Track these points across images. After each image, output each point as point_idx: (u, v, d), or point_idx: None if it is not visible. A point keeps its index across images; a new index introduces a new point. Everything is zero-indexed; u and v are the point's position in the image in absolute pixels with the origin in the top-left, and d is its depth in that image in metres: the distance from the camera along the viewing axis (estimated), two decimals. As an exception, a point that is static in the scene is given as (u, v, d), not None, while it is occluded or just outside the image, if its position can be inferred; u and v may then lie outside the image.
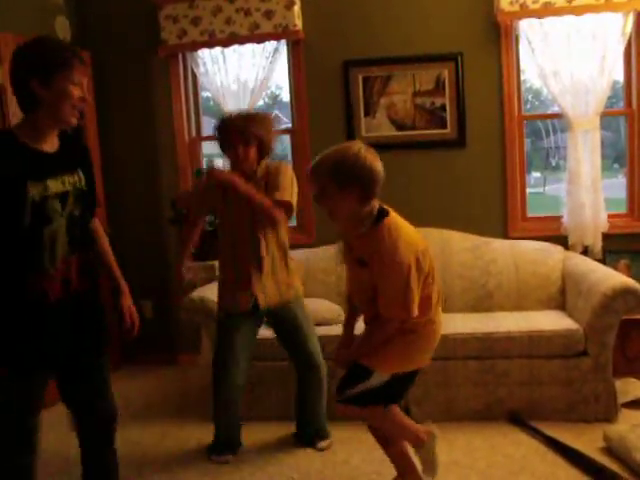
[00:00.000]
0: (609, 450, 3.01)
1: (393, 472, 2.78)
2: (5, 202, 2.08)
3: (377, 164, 2.42)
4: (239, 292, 3.16)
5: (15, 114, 3.93)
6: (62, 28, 4.54)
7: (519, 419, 3.39)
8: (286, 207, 3.09)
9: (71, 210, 2.22)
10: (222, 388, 3.21)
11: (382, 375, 2.48)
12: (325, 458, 3.20)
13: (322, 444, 3.31)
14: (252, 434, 3.43)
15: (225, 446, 3.29)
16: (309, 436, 3.35)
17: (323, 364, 3.31)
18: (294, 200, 3.13)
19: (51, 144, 2.20)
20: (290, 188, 3.12)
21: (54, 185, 2.16)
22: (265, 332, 3.42)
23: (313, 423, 3.35)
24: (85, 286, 2.30)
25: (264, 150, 3.16)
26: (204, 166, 4.74)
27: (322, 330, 3.61)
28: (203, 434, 3.45)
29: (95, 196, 2.44)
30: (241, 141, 3.07)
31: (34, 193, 2.10)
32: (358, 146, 2.45)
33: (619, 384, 3.47)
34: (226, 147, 3.15)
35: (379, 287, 2.43)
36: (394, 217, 2.49)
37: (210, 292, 3.61)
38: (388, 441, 2.73)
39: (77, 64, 2.12)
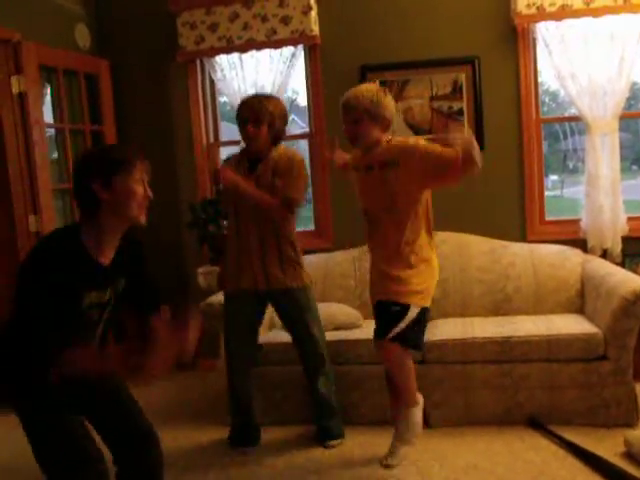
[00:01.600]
0: (629, 455, 2.98)
1: (411, 475, 2.78)
2: (57, 307, 2.04)
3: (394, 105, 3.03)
4: (241, 272, 3.24)
5: (37, 120, 4.00)
6: (82, 35, 4.59)
7: (538, 423, 3.37)
8: (290, 204, 3.16)
9: (108, 317, 2.28)
10: (232, 367, 3.33)
11: (415, 308, 2.87)
12: (343, 460, 3.21)
13: (332, 442, 3.36)
14: (270, 435, 3.46)
15: (241, 437, 3.36)
16: (320, 433, 3.40)
17: (326, 354, 3.35)
18: (300, 194, 3.20)
19: (109, 253, 2.19)
20: (297, 182, 3.17)
21: (97, 296, 2.17)
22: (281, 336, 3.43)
23: (323, 418, 3.40)
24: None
25: (276, 132, 3.19)
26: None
27: (341, 334, 3.63)
28: (223, 438, 3.47)
29: (155, 293, 2.52)
30: (252, 119, 3.12)
31: (83, 303, 2.12)
32: (379, 87, 3.06)
33: (640, 388, 3.45)
34: (240, 125, 3.20)
35: (433, 160, 2.80)
36: None
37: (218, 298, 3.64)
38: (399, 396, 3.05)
39: (138, 162, 2.15)
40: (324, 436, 3.39)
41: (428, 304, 2.96)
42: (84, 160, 2.17)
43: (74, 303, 2.09)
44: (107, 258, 2.18)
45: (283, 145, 3.27)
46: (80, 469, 2.18)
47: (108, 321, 2.31)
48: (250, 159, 3.24)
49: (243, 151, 3.32)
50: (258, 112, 3.12)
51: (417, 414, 3.06)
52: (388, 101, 2.95)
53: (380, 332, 2.94)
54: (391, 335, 2.87)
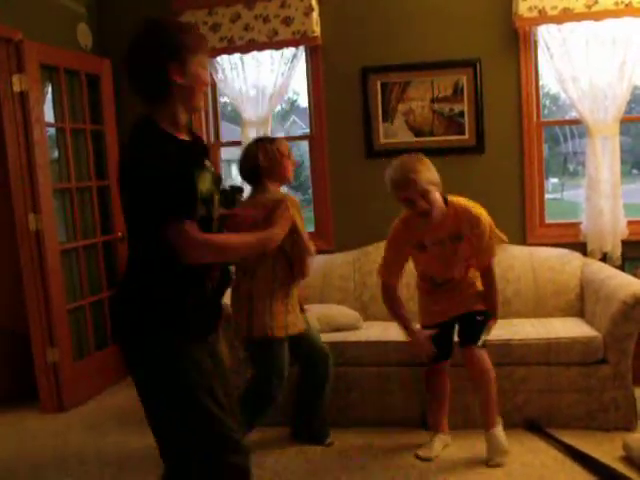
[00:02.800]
0: (629, 459, 2.98)
1: (410, 477, 2.78)
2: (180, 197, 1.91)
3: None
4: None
5: (38, 119, 4.00)
6: (83, 35, 4.59)
7: (537, 427, 3.38)
8: None
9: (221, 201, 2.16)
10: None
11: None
12: (341, 464, 3.21)
13: (329, 440, 3.40)
14: (269, 436, 3.46)
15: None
16: (316, 434, 3.42)
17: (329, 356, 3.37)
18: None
19: (185, 135, 2.06)
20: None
21: (204, 178, 2.01)
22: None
23: (318, 419, 3.42)
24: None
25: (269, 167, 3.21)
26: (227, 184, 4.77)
27: (341, 336, 3.63)
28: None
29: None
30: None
31: (201, 187, 1.98)
32: (411, 156, 3.07)
33: (639, 392, 3.44)
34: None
35: (481, 245, 3.06)
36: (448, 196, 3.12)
37: (227, 300, 3.63)
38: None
39: (206, 47, 2.03)
40: (318, 437, 3.41)
41: None
42: (155, 37, 1.98)
43: (195, 188, 1.94)
44: (185, 134, 2.08)
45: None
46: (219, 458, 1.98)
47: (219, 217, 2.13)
48: None
49: None
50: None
51: (500, 432, 3.12)
52: (426, 169, 3.01)
53: (469, 338, 3.15)
54: (480, 342, 3.12)
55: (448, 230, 3.05)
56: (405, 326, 3.17)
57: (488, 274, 3.18)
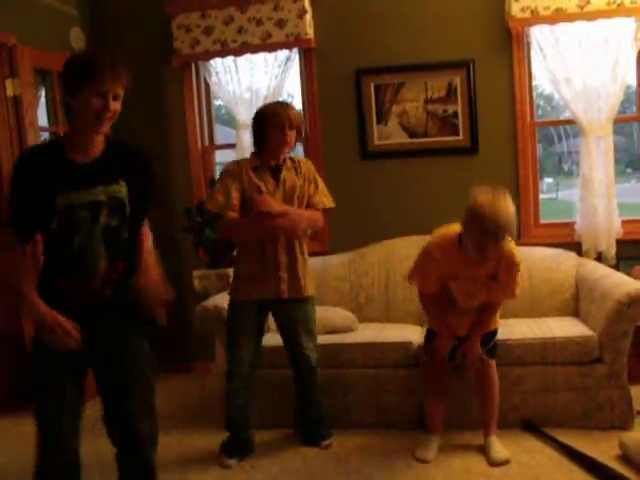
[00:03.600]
0: (625, 458, 2.99)
1: (407, 478, 2.78)
2: (37, 210, 2.19)
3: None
4: (264, 282, 3.23)
5: (31, 123, 3.99)
6: (77, 39, 4.59)
7: (534, 426, 3.38)
8: (328, 212, 3.41)
9: (107, 221, 2.25)
10: (230, 376, 3.31)
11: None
12: (339, 466, 3.20)
13: (326, 442, 3.38)
14: (267, 438, 3.46)
15: (232, 448, 3.33)
16: (312, 435, 3.42)
17: (317, 367, 3.35)
18: (330, 199, 3.41)
19: (88, 154, 2.24)
20: (324, 189, 3.38)
21: (81, 196, 2.20)
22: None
23: (312, 422, 3.42)
24: (117, 297, 2.34)
25: (297, 139, 3.31)
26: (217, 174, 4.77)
27: (337, 338, 3.62)
28: (219, 441, 3.46)
29: (147, 207, 2.48)
30: (291, 125, 3.19)
31: (60, 203, 2.17)
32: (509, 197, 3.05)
33: (635, 391, 3.44)
34: (271, 132, 3.19)
35: (507, 286, 3.12)
36: None
37: (224, 300, 3.63)
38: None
39: (101, 75, 2.14)
40: (316, 438, 3.40)
41: None
42: (65, 64, 2.21)
43: (50, 203, 2.16)
44: (85, 158, 2.24)
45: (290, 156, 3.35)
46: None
47: (113, 232, 2.28)
48: (270, 168, 3.25)
49: (258, 158, 3.28)
50: (293, 119, 3.20)
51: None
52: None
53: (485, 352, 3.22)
54: (485, 350, 3.21)
55: (487, 270, 3.07)
56: (439, 329, 3.23)
57: (495, 306, 3.22)
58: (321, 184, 3.36)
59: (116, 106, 2.23)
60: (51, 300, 2.22)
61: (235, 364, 3.29)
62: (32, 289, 2.22)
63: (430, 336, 3.31)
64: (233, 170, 3.25)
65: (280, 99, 4.33)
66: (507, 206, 2.95)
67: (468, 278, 3.08)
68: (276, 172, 3.25)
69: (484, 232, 2.87)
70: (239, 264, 3.34)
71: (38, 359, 2.34)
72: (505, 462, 3.07)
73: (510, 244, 3.08)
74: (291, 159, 3.32)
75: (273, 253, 3.21)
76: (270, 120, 3.20)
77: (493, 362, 3.23)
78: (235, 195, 3.18)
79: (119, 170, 2.29)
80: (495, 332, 3.27)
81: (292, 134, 3.21)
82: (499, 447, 3.13)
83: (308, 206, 3.30)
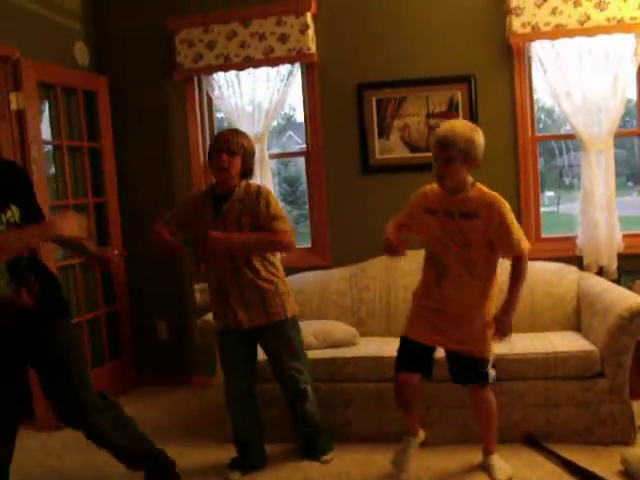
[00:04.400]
0: (627, 473, 2.98)
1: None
2: None
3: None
4: (224, 309, 3.24)
5: (35, 137, 4.01)
6: (81, 53, 4.62)
7: (535, 441, 3.37)
8: (288, 236, 3.21)
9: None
10: (228, 401, 3.34)
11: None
12: (339, 478, 3.20)
13: (325, 457, 3.38)
14: (271, 454, 3.44)
15: (237, 461, 3.35)
16: (311, 450, 3.42)
17: (306, 388, 3.33)
18: (286, 223, 3.24)
19: None
20: (278, 213, 3.21)
21: None
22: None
23: (310, 438, 3.42)
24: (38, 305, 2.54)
25: (246, 166, 3.23)
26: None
27: (337, 352, 3.62)
28: (219, 455, 3.46)
29: (37, 210, 2.61)
30: (227, 149, 3.14)
31: None
32: (475, 126, 2.94)
33: (637, 406, 3.43)
34: (213, 156, 3.19)
35: (504, 231, 2.87)
36: None
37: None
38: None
39: None
40: (316, 452, 3.40)
41: None
42: None
43: None
44: None
45: (245, 181, 3.26)
46: None
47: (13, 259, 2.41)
48: (215, 196, 3.23)
49: (209, 189, 3.31)
50: (233, 144, 3.15)
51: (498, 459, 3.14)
52: (482, 140, 2.89)
53: (461, 379, 3.09)
54: (488, 381, 3.06)
55: (459, 207, 2.90)
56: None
57: (516, 267, 2.94)
58: (280, 214, 3.22)
59: None
60: None
61: (230, 390, 3.32)
62: None
63: (402, 346, 3.08)
64: (185, 199, 3.42)
65: (282, 113, 4.34)
66: (464, 125, 2.94)
67: (445, 212, 2.93)
68: (220, 201, 3.19)
69: (435, 143, 2.89)
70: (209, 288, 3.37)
71: None
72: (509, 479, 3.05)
73: (489, 192, 2.95)
74: (243, 188, 3.21)
75: (224, 282, 3.21)
76: (212, 144, 3.23)
77: (486, 389, 3.06)
78: (174, 217, 3.31)
79: (3, 196, 2.42)
80: (483, 360, 3.00)
81: (232, 161, 3.13)
82: (501, 464, 3.11)
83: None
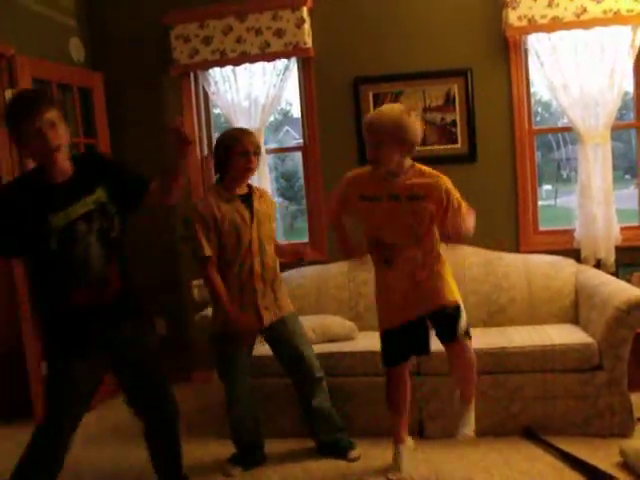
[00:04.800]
0: (625, 465, 2.99)
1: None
2: (31, 231, 2.46)
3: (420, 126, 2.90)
4: (246, 310, 3.21)
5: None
6: (76, 50, 4.61)
7: (534, 434, 3.38)
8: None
9: (99, 225, 2.55)
10: (231, 404, 3.33)
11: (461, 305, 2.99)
12: (339, 473, 3.21)
13: (353, 454, 3.35)
14: (266, 449, 3.44)
15: (239, 458, 3.35)
16: (336, 448, 3.38)
17: (324, 376, 3.36)
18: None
19: (60, 173, 2.53)
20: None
21: (74, 210, 2.49)
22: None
23: (332, 433, 3.39)
24: (124, 286, 2.66)
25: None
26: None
27: (335, 347, 3.64)
28: (219, 450, 3.46)
29: (138, 177, 2.77)
30: (255, 151, 3.21)
31: (56, 221, 2.45)
32: (408, 109, 2.88)
33: (635, 398, 3.43)
34: (239, 158, 3.18)
35: (453, 205, 2.89)
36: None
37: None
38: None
39: (31, 116, 2.40)
40: (340, 450, 3.37)
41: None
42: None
43: (40, 226, 2.44)
44: (61, 178, 2.52)
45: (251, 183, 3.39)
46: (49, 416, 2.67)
47: (106, 231, 2.58)
48: (240, 196, 3.26)
49: (225, 190, 3.25)
50: (257, 145, 3.23)
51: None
52: (412, 122, 2.83)
53: (448, 336, 2.98)
54: (460, 333, 2.96)
55: (405, 189, 2.89)
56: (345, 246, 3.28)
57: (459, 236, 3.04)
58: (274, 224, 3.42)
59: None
60: (64, 316, 2.57)
61: (233, 393, 3.30)
62: None
63: (386, 341, 3.12)
64: (207, 210, 3.17)
65: (279, 108, 4.34)
66: (393, 108, 2.93)
67: (390, 196, 2.91)
68: (247, 201, 3.24)
69: (364, 128, 2.92)
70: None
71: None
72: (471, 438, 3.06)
73: (429, 171, 2.95)
74: (255, 187, 3.36)
75: (249, 282, 3.23)
76: (234, 147, 3.19)
77: (468, 342, 3.01)
78: (214, 240, 3.16)
79: (92, 179, 2.58)
80: (458, 308, 2.97)
81: (255, 160, 3.22)
82: (472, 420, 3.07)
83: None
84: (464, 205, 2.96)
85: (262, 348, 3.47)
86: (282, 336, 3.31)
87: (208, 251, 3.12)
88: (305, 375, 3.32)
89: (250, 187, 3.31)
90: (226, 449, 3.40)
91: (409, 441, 3.25)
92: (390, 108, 2.96)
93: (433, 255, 2.99)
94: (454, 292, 3.00)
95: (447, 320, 2.96)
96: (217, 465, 3.37)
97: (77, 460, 3.54)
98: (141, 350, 2.75)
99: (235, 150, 3.17)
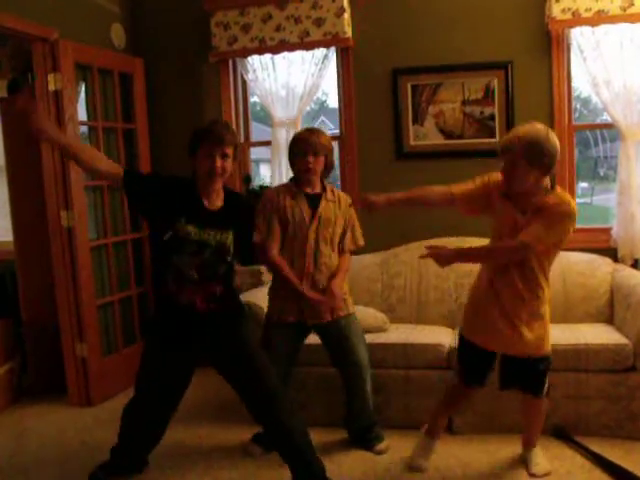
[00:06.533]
0: (657, 469, 2.95)
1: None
2: (158, 225, 2.78)
3: (558, 147, 2.77)
4: (288, 303, 3.24)
5: (71, 118, 4.05)
6: (117, 35, 4.65)
7: (564, 434, 3.34)
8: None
9: (207, 257, 2.76)
10: None
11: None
12: (369, 464, 3.22)
13: (380, 446, 3.35)
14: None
15: (261, 438, 3.36)
16: (365, 440, 3.39)
17: (368, 376, 3.34)
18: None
19: (213, 201, 2.82)
20: (359, 229, 3.46)
21: (194, 231, 2.73)
22: (310, 337, 3.44)
23: (363, 428, 3.41)
24: (215, 308, 2.83)
25: (328, 164, 3.31)
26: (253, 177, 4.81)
27: (367, 338, 3.62)
28: (244, 435, 3.48)
29: (248, 248, 3.04)
30: (312, 151, 3.20)
31: (179, 229, 2.71)
32: (547, 129, 2.78)
33: (669, 401, 3.39)
34: (297, 157, 3.25)
35: (535, 226, 2.72)
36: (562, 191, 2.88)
37: (256, 297, 3.65)
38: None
39: (208, 141, 2.76)
40: (370, 441, 3.38)
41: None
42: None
43: (168, 225, 2.71)
44: (212, 205, 2.80)
45: (330, 185, 3.38)
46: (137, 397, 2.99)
47: (212, 264, 2.79)
48: (306, 195, 3.29)
49: (295, 185, 3.31)
50: (320, 146, 3.22)
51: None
52: (551, 145, 2.73)
53: (531, 389, 3.02)
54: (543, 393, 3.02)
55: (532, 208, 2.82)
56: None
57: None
58: (356, 223, 3.43)
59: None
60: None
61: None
62: None
63: (462, 348, 3.10)
64: (272, 198, 3.27)
65: (315, 98, 4.33)
66: (531, 129, 2.81)
67: (511, 209, 2.85)
68: (314, 201, 3.27)
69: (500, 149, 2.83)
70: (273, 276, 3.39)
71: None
72: (546, 474, 3.02)
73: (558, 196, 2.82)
74: (332, 190, 3.35)
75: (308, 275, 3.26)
76: (294, 146, 3.28)
77: (541, 400, 3.01)
78: (276, 226, 3.21)
79: (230, 221, 2.82)
80: (543, 360, 2.93)
81: (317, 160, 3.22)
82: (539, 459, 3.07)
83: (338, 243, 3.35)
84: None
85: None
86: (333, 334, 3.32)
87: (257, 237, 3.18)
88: (354, 367, 3.33)
89: (325, 188, 3.31)
90: (250, 433, 3.44)
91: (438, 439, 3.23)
92: (528, 127, 2.81)
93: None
94: (547, 341, 2.93)
95: (532, 372, 2.95)
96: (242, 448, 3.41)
97: (107, 440, 3.60)
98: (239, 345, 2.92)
99: (294, 149, 3.28)
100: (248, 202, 2.99)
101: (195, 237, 2.73)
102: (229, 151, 2.77)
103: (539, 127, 2.78)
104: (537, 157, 2.69)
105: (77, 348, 4.15)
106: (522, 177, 2.74)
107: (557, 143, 2.75)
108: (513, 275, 2.83)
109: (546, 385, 2.97)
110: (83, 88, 4.38)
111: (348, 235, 3.37)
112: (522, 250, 2.75)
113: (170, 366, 2.90)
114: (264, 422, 2.97)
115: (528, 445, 3.12)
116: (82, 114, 4.31)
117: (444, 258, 2.88)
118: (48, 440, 3.69)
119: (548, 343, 2.93)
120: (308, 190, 3.27)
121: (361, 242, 3.45)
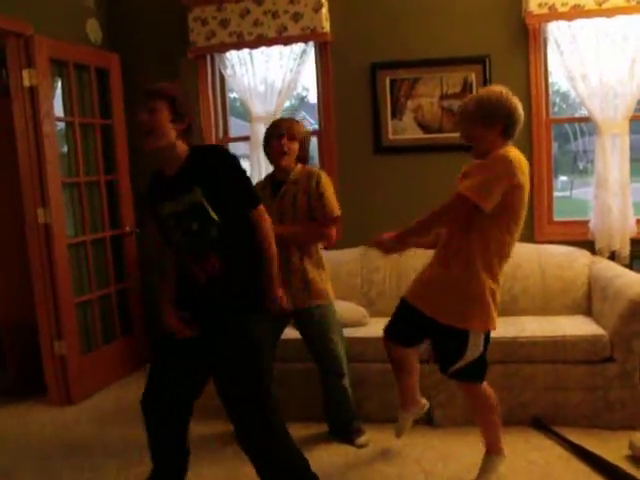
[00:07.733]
0: (634, 458, 2.98)
1: (415, 474, 2.77)
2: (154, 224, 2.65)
3: (519, 106, 2.70)
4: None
5: (47, 114, 4.01)
6: (93, 30, 4.61)
7: (543, 424, 3.37)
8: (336, 221, 3.32)
9: (187, 226, 2.47)
10: None
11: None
12: (348, 458, 3.23)
13: (361, 440, 3.36)
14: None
15: None
16: (345, 433, 3.41)
17: (345, 367, 3.37)
18: (337, 208, 3.31)
19: (172, 166, 2.53)
20: (334, 200, 3.31)
21: (169, 206, 2.50)
22: (290, 333, 3.44)
23: (343, 422, 3.42)
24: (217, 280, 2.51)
25: (302, 151, 3.33)
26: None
27: (347, 332, 3.63)
28: (227, 431, 3.47)
29: (245, 195, 2.54)
30: (288, 135, 3.24)
31: (160, 213, 2.55)
32: (505, 90, 2.70)
33: (645, 391, 3.43)
34: (273, 140, 3.27)
35: (471, 177, 2.68)
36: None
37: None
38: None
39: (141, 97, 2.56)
40: (350, 435, 3.39)
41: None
42: None
43: (157, 215, 2.56)
44: (171, 171, 2.51)
45: (300, 165, 3.36)
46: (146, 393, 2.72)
47: (198, 232, 2.46)
48: (274, 182, 3.34)
49: (268, 176, 3.44)
50: (296, 131, 3.26)
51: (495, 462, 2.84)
52: (505, 103, 2.66)
53: (441, 365, 2.90)
54: (451, 371, 2.86)
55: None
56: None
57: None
58: (327, 194, 3.27)
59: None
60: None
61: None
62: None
63: (399, 306, 2.99)
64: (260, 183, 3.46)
65: (295, 93, 4.33)
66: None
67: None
68: (278, 185, 3.32)
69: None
70: None
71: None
72: None
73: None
74: (308, 172, 3.31)
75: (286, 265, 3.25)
76: (270, 129, 3.33)
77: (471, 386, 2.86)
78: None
79: (193, 179, 2.45)
80: (461, 333, 2.71)
81: (291, 144, 3.25)
82: (491, 472, 2.83)
83: (313, 218, 3.30)
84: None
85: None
86: (310, 325, 3.33)
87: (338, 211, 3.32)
88: (329, 361, 3.35)
89: (290, 172, 3.31)
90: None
91: (422, 401, 3.20)
92: (486, 89, 2.82)
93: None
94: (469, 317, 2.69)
95: (446, 347, 2.81)
96: (227, 446, 3.39)
97: (87, 438, 3.59)
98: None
99: (270, 133, 3.31)
100: (217, 152, 2.56)
101: (170, 210, 2.48)
102: (152, 104, 2.50)
103: (496, 88, 2.73)
104: (491, 116, 2.65)
105: (56, 346, 4.11)
106: (480, 138, 2.69)
107: (516, 104, 2.68)
108: (457, 244, 2.72)
109: (463, 367, 2.75)
110: (59, 84, 4.34)
111: (316, 205, 3.26)
112: (456, 201, 2.64)
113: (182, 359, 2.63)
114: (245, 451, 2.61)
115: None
116: (59, 110, 4.28)
117: (385, 243, 2.86)
118: (28, 439, 3.66)
119: (479, 322, 2.69)
120: (280, 176, 3.32)
121: (336, 212, 3.30)
